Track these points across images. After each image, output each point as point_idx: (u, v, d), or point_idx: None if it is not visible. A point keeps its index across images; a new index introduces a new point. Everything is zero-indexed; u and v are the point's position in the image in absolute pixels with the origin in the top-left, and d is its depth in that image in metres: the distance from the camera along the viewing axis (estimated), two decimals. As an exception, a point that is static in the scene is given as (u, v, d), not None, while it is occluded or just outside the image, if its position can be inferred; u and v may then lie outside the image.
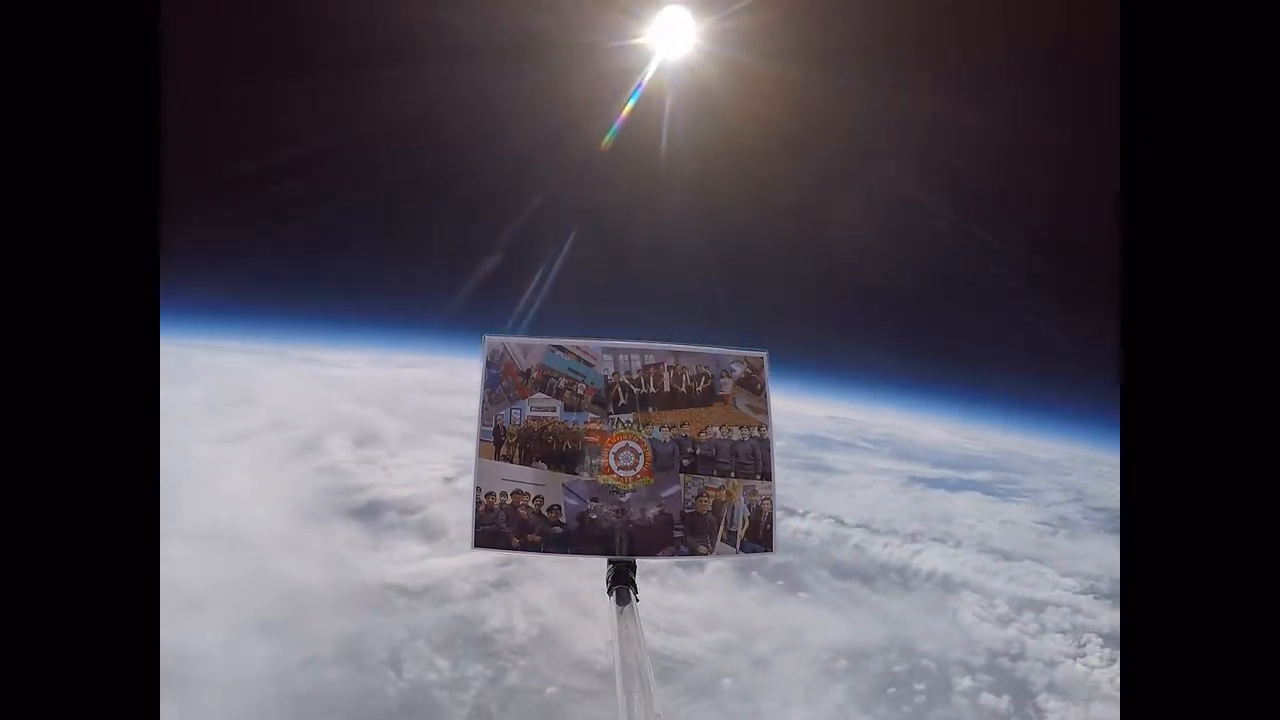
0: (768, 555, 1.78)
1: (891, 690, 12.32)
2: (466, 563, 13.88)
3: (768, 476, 1.79)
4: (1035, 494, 22.72)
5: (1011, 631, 13.99)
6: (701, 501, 1.78)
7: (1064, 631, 14.16)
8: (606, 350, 1.85)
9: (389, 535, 15.19)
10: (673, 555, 1.77)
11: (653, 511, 1.78)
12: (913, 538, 17.53)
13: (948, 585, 15.41)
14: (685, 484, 1.79)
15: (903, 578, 16.00)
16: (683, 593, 14.05)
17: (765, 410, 1.82)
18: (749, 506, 1.78)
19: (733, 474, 1.79)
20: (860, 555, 16.41)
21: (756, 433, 1.81)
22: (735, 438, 1.81)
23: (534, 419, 1.82)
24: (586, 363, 1.85)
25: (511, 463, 1.80)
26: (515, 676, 11.43)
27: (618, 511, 1.78)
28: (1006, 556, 16.69)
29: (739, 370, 1.84)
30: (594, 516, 1.78)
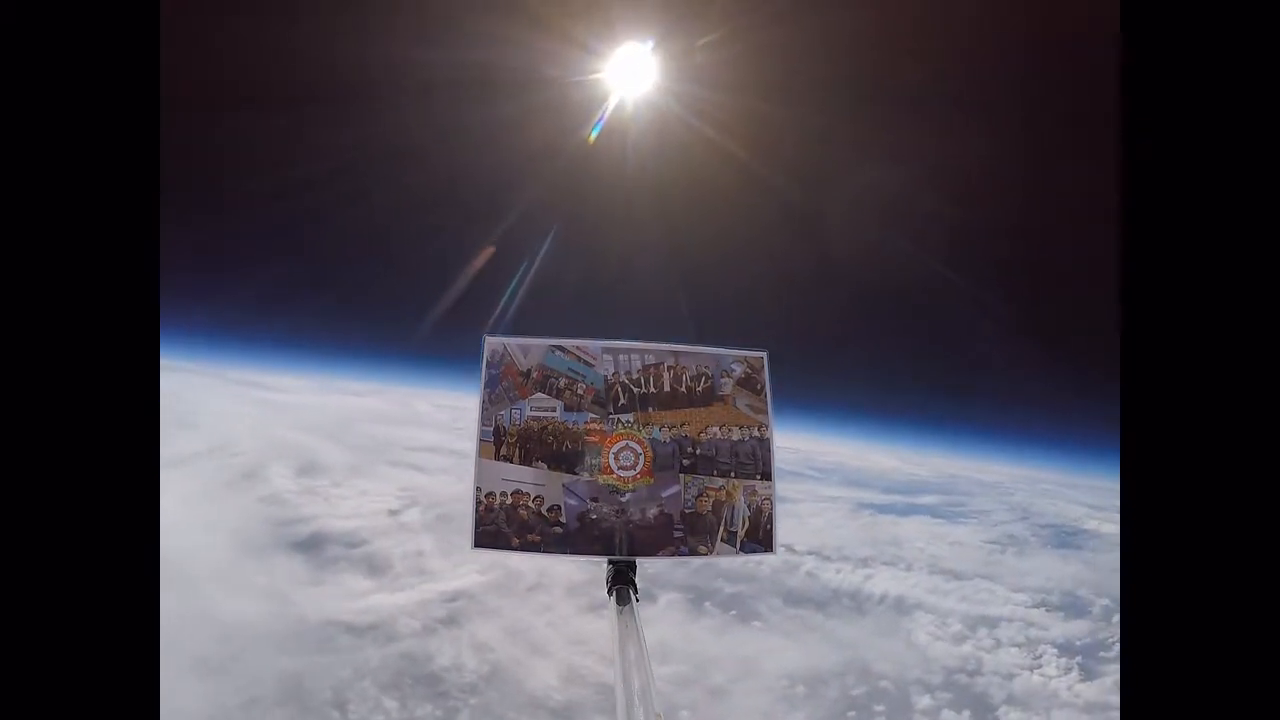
0: (766, 556, 1.78)
1: (851, 714, 12.39)
2: (413, 599, 13.54)
3: (768, 476, 1.80)
4: (982, 515, 23.47)
5: (967, 648, 14.31)
6: (701, 501, 1.78)
7: (1019, 645, 14.59)
8: (606, 350, 1.85)
9: (332, 569, 14.70)
10: (673, 555, 1.76)
11: (653, 511, 1.77)
12: (864, 562, 17.82)
13: (901, 607, 15.68)
14: (685, 484, 1.79)
15: (856, 602, 16.19)
16: None
17: (765, 410, 1.83)
18: (749, 506, 1.78)
19: (733, 474, 1.80)
20: (813, 582, 16.56)
21: (756, 433, 1.82)
22: (735, 438, 1.82)
23: (534, 419, 1.81)
24: (586, 363, 1.85)
25: (511, 463, 1.78)
26: (467, 716, 11.05)
27: (618, 511, 1.76)
28: (957, 576, 17.14)
29: (739, 370, 1.85)
30: (594, 516, 1.76)
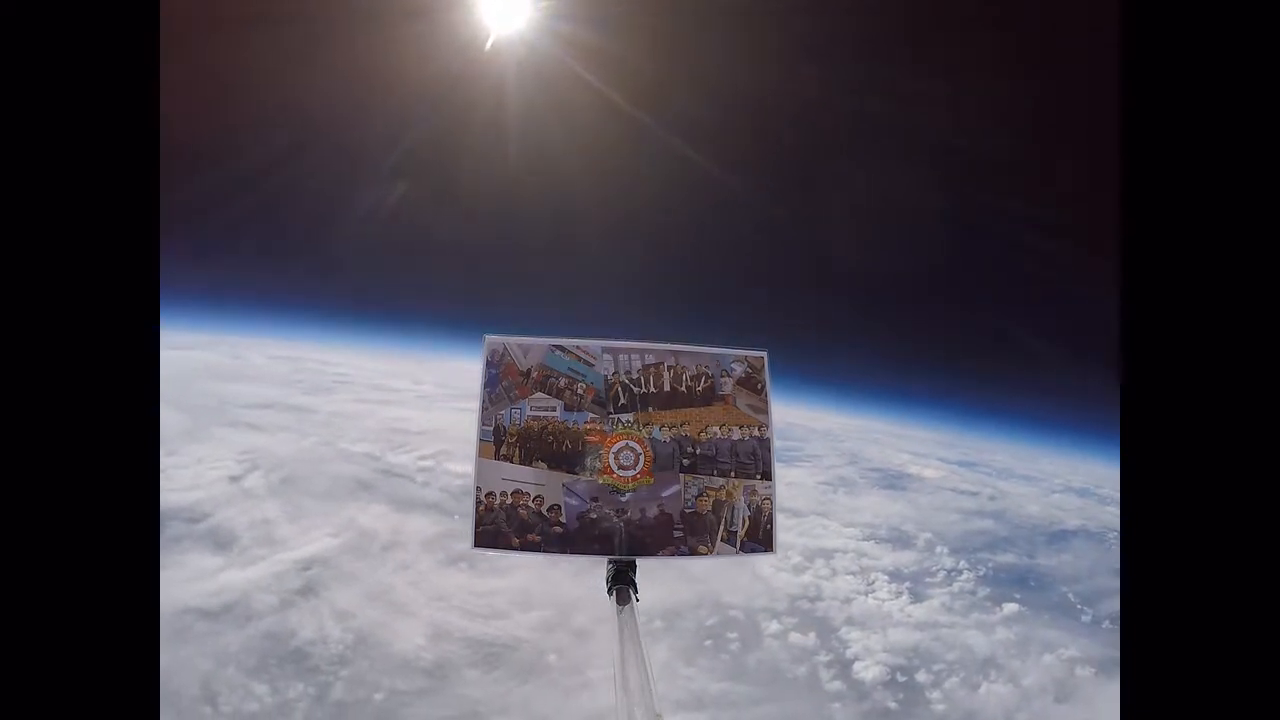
0: (768, 555, 1.82)
1: (708, 643, 13.40)
2: (266, 572, 12.62)
3: (768, 476, 1.83)
4: (816, 459, 25.99)
5: (807, 578, 15.99)
6: (701, 501, 1.79)
7: (853, 573, 16.56)
8: (606, 350, 1.83)
9: (175, 549, 13.16)
10: (673, 555, 1.77)
11: (653, 511, 1.77)
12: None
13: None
14: (685, 484, 1.79)
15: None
16: (494, 576, 14.00)
17: (765, 410, 1.86)
18: (749, 506, 1.81)
19: (733, 474, 1.82)
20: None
21: (756, 432, 1.85)
22: (735, 437, 1.84)
23: (534, 419, 1.79)
24: (586, 363, 1.81)
25: (511, 463, 1.76)
26: (341, 689, 10.61)
27: (618, 511, 1.76)
28: (795, 514, 18.97)
29: (739, 370, 1.86)
30: (594, 516, 1.76)
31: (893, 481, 24.54)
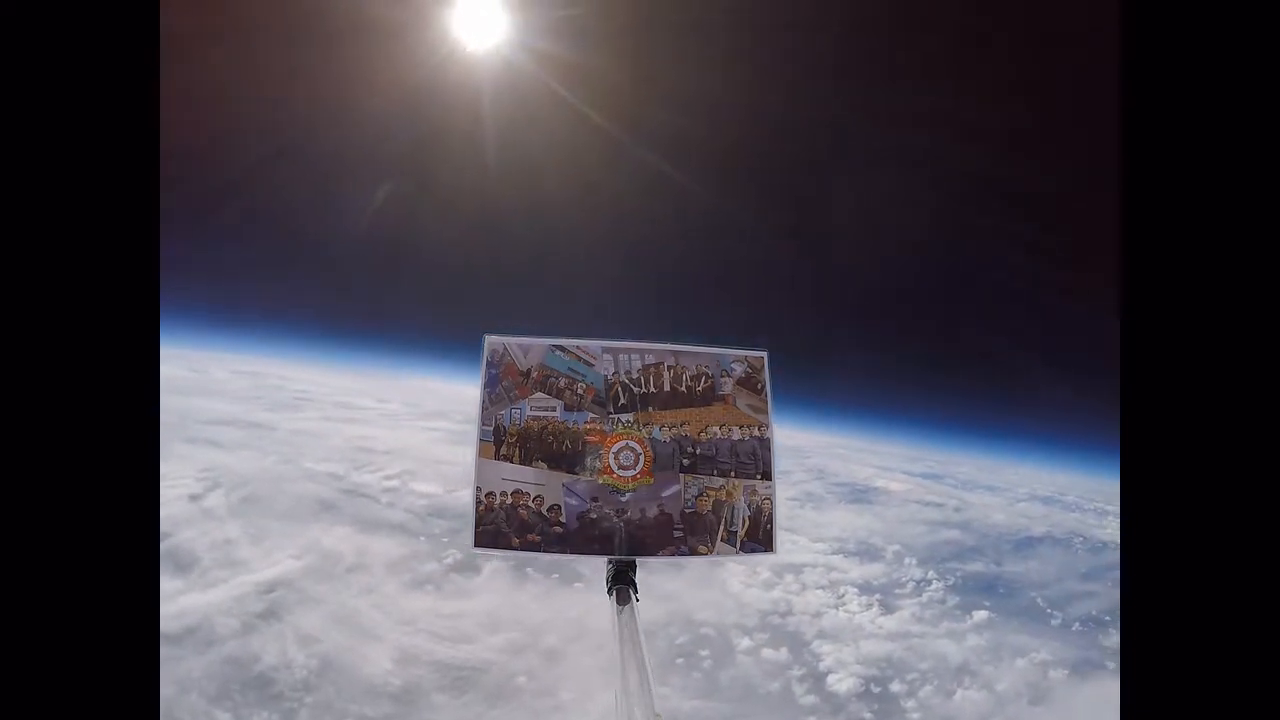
0: (768, 555, 1.82)
1: (680, 661, 13.32)
2: (228, 595, 12.20)
3: (768, 476, 1.83)
4: (783, 475, 26.08)
5: (777, 593, 16.06)
6: (701, 501, 1.78)
7: (823, 587, 16.68)
8: (606, 350, 1.82)
9: None
10: (673, 555, 1.76)
11: (653, 511, 1.76)
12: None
13: (714, 560, 17.14)
14: (685, 484, 1.78)
15: (671, 558, 17.23)
16: (461, 598, 13.78)
17: (765, 410, 1.86)
18: (749, 506, 1.80)
19: (733, 474, 1.81)
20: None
21: (757, 432, 1.84)
22: (735, 437, 1.83)
23: (534, 419, 1.78)
24: (586, 363, 1.81)
25: (511, 462, 1.75)
26: (306, 716, 10.23)
27: (618, 511, 1.75)
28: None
29: (739, 370, 1.87)
30: (594, 516, 1.75)
31: (859, 495, 24.89)
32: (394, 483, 18.57)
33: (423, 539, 15.87)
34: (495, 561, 14.51)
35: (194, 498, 15.27)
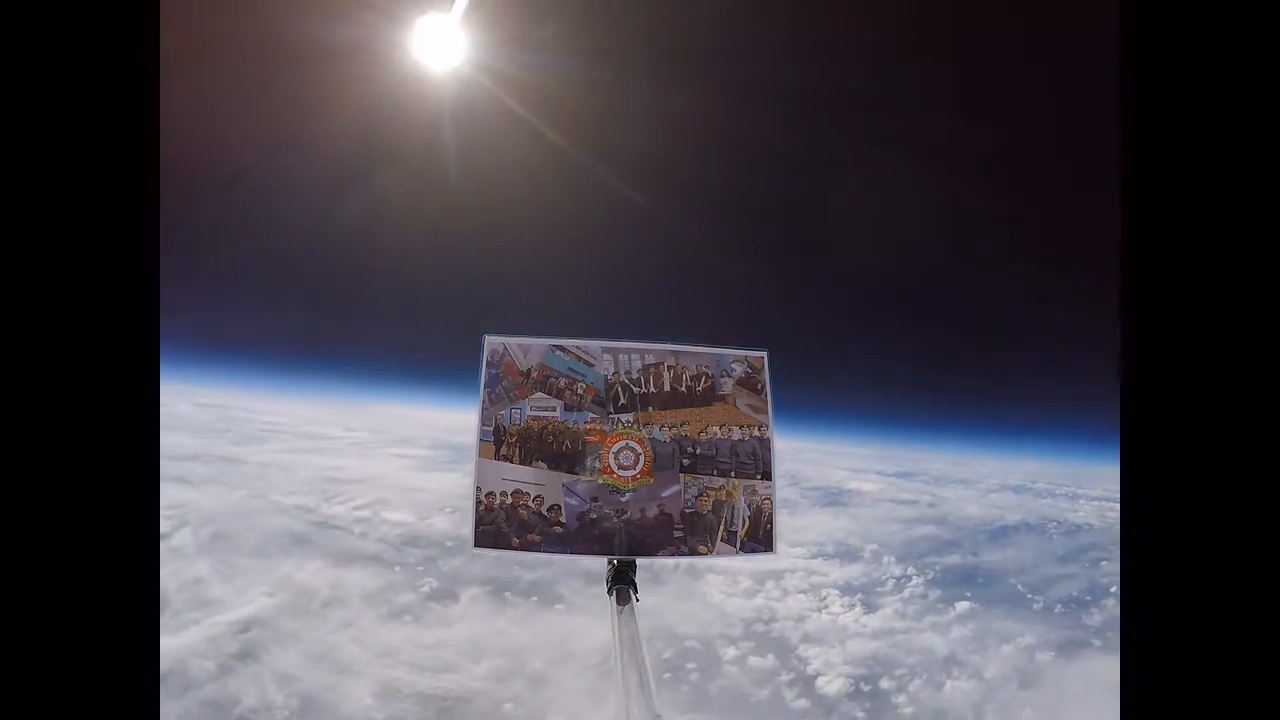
0: (768, 555, 1.82)
1: (667, 675, 13.19)
2: (201, 636, 11.72)
3: (768, 476, 1.83)
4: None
5: (759, 601, 16.06)
6: (701, 501, 1.79)
7: (804, 591, 16.73)
8: (606, 350, 1.82)
9: None
10: (673, 555, 1.76)
11: (653, 511, 1.76)
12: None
13: (693, 573, 16.98)
14: (685, 484, 1.79)
15: (651, 573, 17.09)
16: (441, 627, 13.52)
17: (765, 410, 1.86)
18: (749, 506, 1.81)
19: (733, 474, 1.81)
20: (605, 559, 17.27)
21: (757, 432, 1.85)
22: (735, 437, 1.84)
23: (534, 419, 1.78)
24: (586, 363, 1.81)
25: (511, 462, 1.75)
26: (289, 757, 9.79)
27: (618, 511, 1.75)
28: (741, 539, 19.04)
29: (739, 370, 1.87)
30: (594, 516, 1.75)
31: (834, 498, 25.11)
32: (366, 513, 18.16)
33: (398, 569, 15.52)
34: (473, 588, 14.25)
35: (162, 537, 14.65)
